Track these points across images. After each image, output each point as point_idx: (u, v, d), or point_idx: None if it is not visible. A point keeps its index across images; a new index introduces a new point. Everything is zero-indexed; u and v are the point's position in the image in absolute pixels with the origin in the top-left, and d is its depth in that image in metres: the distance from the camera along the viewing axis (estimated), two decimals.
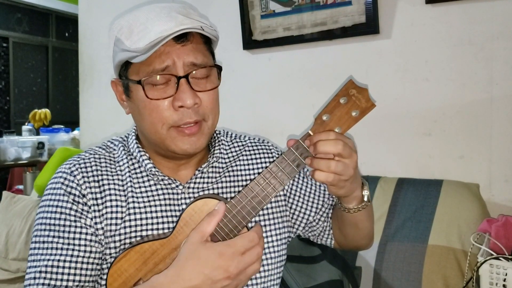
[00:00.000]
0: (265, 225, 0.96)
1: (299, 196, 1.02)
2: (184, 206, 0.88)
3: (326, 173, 0.77)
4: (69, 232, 0.83)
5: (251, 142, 1.03)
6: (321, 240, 1.06)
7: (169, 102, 0.82)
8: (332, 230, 1.04)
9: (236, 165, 0.98)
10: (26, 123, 4.89)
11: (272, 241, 0.95)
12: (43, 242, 0.83)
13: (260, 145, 1.04)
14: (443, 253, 1.35)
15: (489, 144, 1.51)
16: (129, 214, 0.87)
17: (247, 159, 1.00)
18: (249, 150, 1.02)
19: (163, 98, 0.82)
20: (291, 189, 1.02)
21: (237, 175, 0.97)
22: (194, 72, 0.83)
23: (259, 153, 1.02)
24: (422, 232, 1.40)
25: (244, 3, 1.85)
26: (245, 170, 0.98)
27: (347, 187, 0.83)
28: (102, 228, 0.85)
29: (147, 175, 0.91)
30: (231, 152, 1.00)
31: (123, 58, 0.84)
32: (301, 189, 1.03)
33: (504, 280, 1.13)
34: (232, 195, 0.94)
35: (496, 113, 1.49)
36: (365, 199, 0.90)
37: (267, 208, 0.97)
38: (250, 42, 1.88)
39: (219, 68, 0.88)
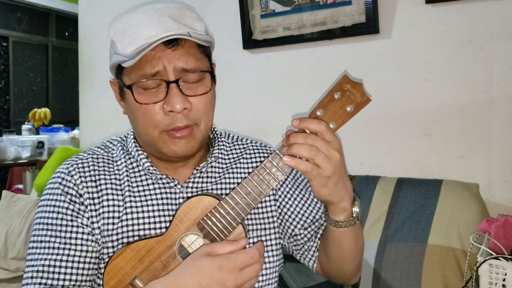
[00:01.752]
0: (264, 228, 0.95)
1: (291, 205, 0.99)
2: None
3: (306, 163, 0.76)
4: (65, 231, 0.84)
5: (252, 146, 1.03)
6: (304, 260, 1.01)
7: (160, 106, 0.82)
8: (318, 252, 0.99)
9: (237, 167, 0.98)
10: (26, 123, 4.88)
11: (271, 245, 0.95)
12: (41, 241, 0.84)
13: (262, 149, 1.03)
14: (442, 253, 1.35)
15: (489, 144, 1.50)
16: (127, 213, 0.87)
17: (248, 162, 0.99)
18: (250, 153, 1.01)
19: (153, 103, 0.82)
20: (285, 196, 1.00)
21: (237, 177, 0.97)
22: (184, 76, 0.82)
23: (260, 157, 1.01)
24: (422, 232, 1.39)
25: (244, 2, 1.84)
26: (245, 173, 0.97)
27: (330, 188, 0.79)
28: (99, 227, 0.85)
29: (145, 174, 0.91)
30: (232, 153, 1.00)
31: (115, 61, 0.84)
32: (295, 199, 0.99)
33: (504, 280, 1.13)
34: None
35: (496, 113, 1.49)
36: (354, 215, 0.85)
37: (266, 212, 0.97)
38: (250, 42, 1.88)
39: (212, 74, 0.87)
